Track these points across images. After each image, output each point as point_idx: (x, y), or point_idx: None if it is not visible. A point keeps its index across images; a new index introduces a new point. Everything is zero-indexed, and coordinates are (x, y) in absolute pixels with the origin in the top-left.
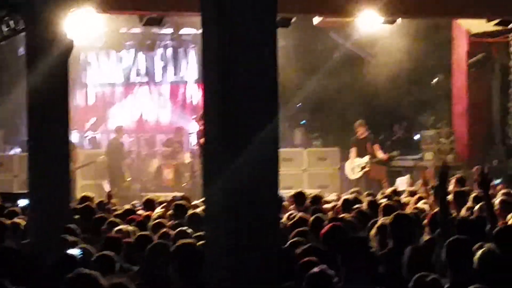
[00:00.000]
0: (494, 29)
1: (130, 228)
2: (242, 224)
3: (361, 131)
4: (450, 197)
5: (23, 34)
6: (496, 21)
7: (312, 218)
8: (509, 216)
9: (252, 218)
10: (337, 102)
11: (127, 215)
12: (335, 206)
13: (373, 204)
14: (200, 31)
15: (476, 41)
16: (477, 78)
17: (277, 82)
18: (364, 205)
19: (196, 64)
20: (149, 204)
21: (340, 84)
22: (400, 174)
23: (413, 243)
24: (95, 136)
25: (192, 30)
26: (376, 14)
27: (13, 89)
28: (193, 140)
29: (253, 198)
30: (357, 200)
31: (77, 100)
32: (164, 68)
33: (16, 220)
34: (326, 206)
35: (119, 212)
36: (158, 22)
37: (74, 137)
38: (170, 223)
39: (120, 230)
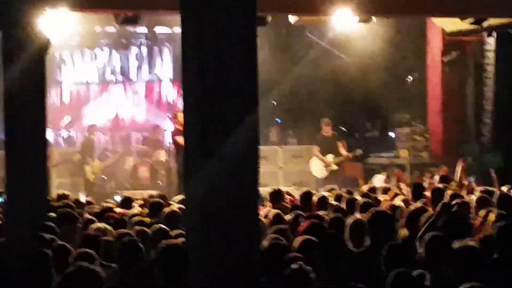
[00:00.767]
0: (468, 27)
1: (107, 226)
2: (221, 223)
3: (327, 129)
4: (427, 193)
5: None
6: (471, 20)
7: (291, 216)
8: (482, 211)
9: (232, 215)
10: (312, 100)
11: (104, 213)
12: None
13: (350, 202)
14: (175, 30)
15: (451, 40)
16: (452, 76)
17: (257, 79)
18: (340, 202)
19: (171, 62)
20: (127, 202)
21: (315, 82)
22: (375, 172)
23: (391, 240)
24: (70, 135)
25: (166, 29)
26: (351, 12)
27: None
28: (169, 138)
29: (233, 195)
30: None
31: (52, 98)
32: (139, 66)
33: None
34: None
35: (96, 210)
36: (134, 21)
37: (49, 135)
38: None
39: (97, 228)
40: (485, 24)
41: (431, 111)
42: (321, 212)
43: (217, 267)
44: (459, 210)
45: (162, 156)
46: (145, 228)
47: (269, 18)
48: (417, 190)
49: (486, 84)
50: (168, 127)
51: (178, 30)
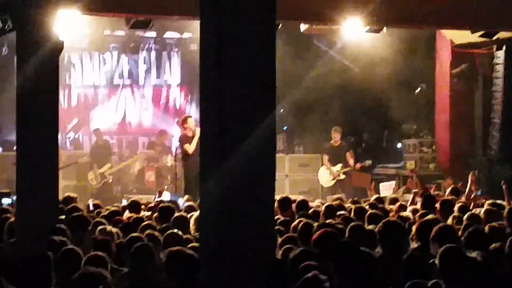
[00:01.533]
0: (478, 40)
1: (116, 230)
2: (237, 222)
3: (336, 138)
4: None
5: (9, 34)
6: (480, 32)
7: (300, 224)
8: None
9: (248, 215)
10: (319, 109)
11: (113, 217)
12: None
13: (359, 211)
14: (184, 35)
15: (460, 52)
16: (460, 88)
17: (275, 79)
18: (349, 212)
19: (179, 67)
20: (135, 206)
21: (323, 91)
22: (382, 182)
23: (402, 250)
24: (77, 138)
25: (175, 34)
26: (360, 22)
27: None
28: (176, 143)
29: (249, 195)
30: (340, 207)
31: (60, 101)
32: (147, 71)
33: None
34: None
35: (104, 213)
36: (145, 25)
37: None
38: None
39: (105, 231)
40: (495, 37)
41: (439, 122)
42: (329, 221)
43: (231, 269)
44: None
45: (168, 161)
46: (155, 233)
47: (279, 25)
48: (428, 201)
49: (494, 97)
50: (175, 132)
51: (187, 35)
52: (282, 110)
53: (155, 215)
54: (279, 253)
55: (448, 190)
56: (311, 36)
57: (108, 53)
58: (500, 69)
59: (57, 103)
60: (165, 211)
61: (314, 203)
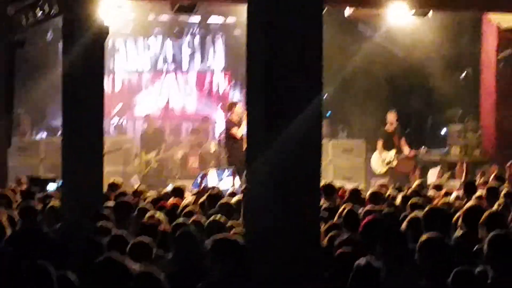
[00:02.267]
0: None
1: (161, 215)
2: (283, 206)
3: (392, 122)
4: (483, 192)
5: (53, 19)
6: None
7: (345, 210)
8: None
9: (295, 199)
10: (363, 94)
11: (157, 202)
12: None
13: (404, 198)
14: (228, 19)
15: (506, 36)
16: (507, 73)
17: (322, 59)
18: (393, 199)
19: (223, 52)
20: (178, 192)
21: (368, 76)
22: (426, 168)
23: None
24: (121, 123)
25: (220, 18)
26: (406, 6)
27: (41, 75)
28: (219, 128)
29: (297, 177)
30: (384, 194)
31: (104, 86)
32: (191, 56)
33: (51, 203)
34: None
35: (148, 199)
36: (190, 9)
37: None
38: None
39: (152, 217)
40: None
41: (484, 108)
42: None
43: (278, 253)
44: None
45: (212, 146)
46: (201, 219)
47: (325, 9)
48: (469, 188)
49: None
50: (218, 118)
51: (231, 20)
52: (326, 95)
53: (200, 200)
54: (324, 240)
55: (492, 176)
56: (356, 21)
57: (152, 38)
58: None
59: (103, 88)
60: (213, 198)
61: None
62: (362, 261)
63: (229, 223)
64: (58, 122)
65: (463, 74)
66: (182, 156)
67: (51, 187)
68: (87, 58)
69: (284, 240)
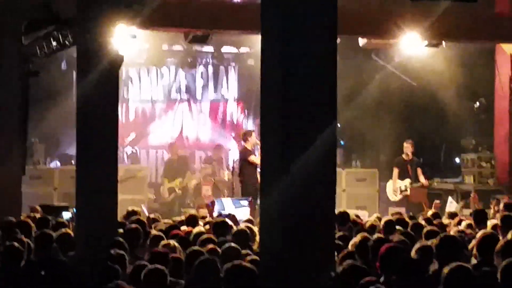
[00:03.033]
0: None
1: (175, 243)
2: (298, 234)
3: (409, 152)
4: (497, 221)
5: (67, 49)
6: None
7: (359, 239)
8: None
9: (309, 227)
10: (377, 124)
11: (170, 230)
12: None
13: (417, 226)
14: (241, 49)
15: None
16: None
17: (336, 90)
18: (407, 227)
19: (236, 82)
20: (192, 220)
21: (381, 106)
22: (439, 197)
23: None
24: (134, 152)
25: (233, 48)
26: (419, 37)
27: (54, 103)
28: (233, 157)
29: (312, 206)
30: (399, 222)
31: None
32: (205, 85)
33: (64, 231)
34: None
35: (161, 227)
36: (203, 39)
37: None
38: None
39: (167, 244)
40: None
41: (498, 138)
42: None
43: (291, 281)
44: None
45: (225, 175)
46: (216, 247)
47: (338, 40)
48: (479, 217)
49: None
50: (231, 146)
51: (244, 50)
52: (339, 124)
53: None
54: (339, 269)
55: (501, 205)
56: (370, 51)
57: (166, 67)
58: None
59: (117, 117)
60: (219, 227)
61: (371, 218)
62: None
63: (243, 251)
64: (71, 150)
65: (477, 104)
66: (195, 185)
67: (66, 215)
68: (101, 87)
69: (299, 269)
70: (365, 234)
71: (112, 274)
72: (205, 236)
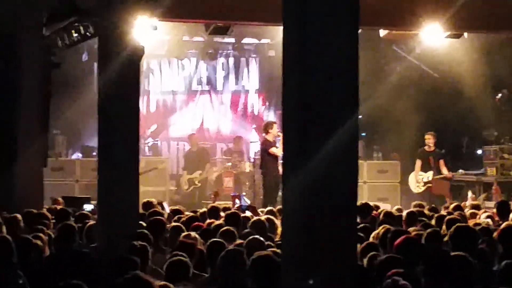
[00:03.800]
0: None
1: (196, 235)
2: (319, 225)
3: (431, 143)
4: None
5: (88, 40)
6: None
7: (381, 230)
8: None
9: (330, 216)
10: (398, 115)
11: (191, 222)
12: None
13: (439, 218)
14: (263, 41)
15: None
16: None
17: (358, 81)
18: (429, 219)
19: (257, 73)
20: (214, 212)
21: (402, 97)
22: (461, 188)
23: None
24: (155, 143)
25: (254, 40)
26: (440, 28)
27: (76, 95)
28: (254, 149)
29: (334, 197)
30: (421, 214)
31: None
32: (226, 77)
33: (87, 222)
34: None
35: (183, 219)
36: (224, 31)
37: None
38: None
39: (190, 237)
40: None
41: None
42: (411, 228)
43: (314, 273)
44: None
45: (247, 166)
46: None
47: (359, 31)
48: (503, 209)
49: None
50: (252, 138)
51: (265, 41)
52: (360, 116)
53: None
54: (363, 261)
55: None
56: (390, 42)
57: (187, 59)
58: None
59: (138, 108)
60: (246, 217)
61: (393, 210)
62: (389, 281)
63: (266, 243)
64: (93, 142)
65: (499, 95)
66: (217, 177)
67: (87, 207)
68: (123, 78)
69: (320, 259)
70: (387, 226)
71: (131, 265)
72: (225, 228)
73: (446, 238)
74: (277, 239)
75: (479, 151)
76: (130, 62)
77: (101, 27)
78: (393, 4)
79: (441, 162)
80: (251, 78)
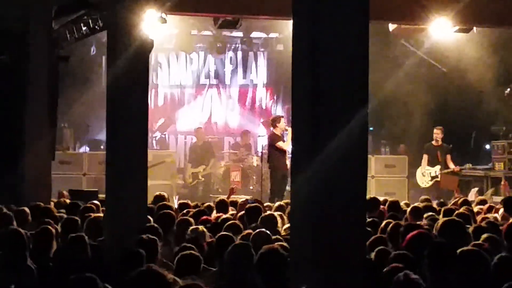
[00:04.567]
0: None
1: (204, 229)
2: (328, 220)
3: (439, 138)
4: None
5: (97, 34)
6: None
7: (390, 225)
8: None
9: (339, 211)
10: (406, 110)
11: (199, 216)
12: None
13: (447, 212)
14: (271, 35)
15: None
16: None
17: (368, 75)
18: (437, 213)
19: (265, 67)
20: (222, 206)
21: (411, 92)
22: (470, 183)
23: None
24: (163, 137)
25: (262, 34)
26: (449, 22)
27: (84, 88)
28: (261, 143)
29: (342, 191)
30: (427, 208)
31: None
32: (234, 71)
33: (93, 216)
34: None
35: (191, 213)
36: (233, 24)
37: None
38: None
39: (197, 231)
40: None
41: None
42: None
43: (322, 268)
44: None
45: (254, 161)
46: (248, 232)
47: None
48: (510, 204)
49: None
50: (260, 132)
51: (273, 35)
52: (368, 110)
53: (240, 214)
54: (372, 255)
55: None
56: (399, 36)
57: (195, 53)
58: None
59: (147, 101)
60: (252, 211)
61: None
62: (401, 275)
63: (274, 236)
64: (101, 136)
65: (508, 90)
66: (224, 171)
67: (95, 201)
68: (131, 72)
69: (329, 253)
70: (394, 220)
71: (138, 259)
72: (234, 222)
73: None
74: (283, 234)
75: (487, 146)
76: (139, 55)
77: (110, 20)
78: None
79: (448, 157)
80: (259, 72)
